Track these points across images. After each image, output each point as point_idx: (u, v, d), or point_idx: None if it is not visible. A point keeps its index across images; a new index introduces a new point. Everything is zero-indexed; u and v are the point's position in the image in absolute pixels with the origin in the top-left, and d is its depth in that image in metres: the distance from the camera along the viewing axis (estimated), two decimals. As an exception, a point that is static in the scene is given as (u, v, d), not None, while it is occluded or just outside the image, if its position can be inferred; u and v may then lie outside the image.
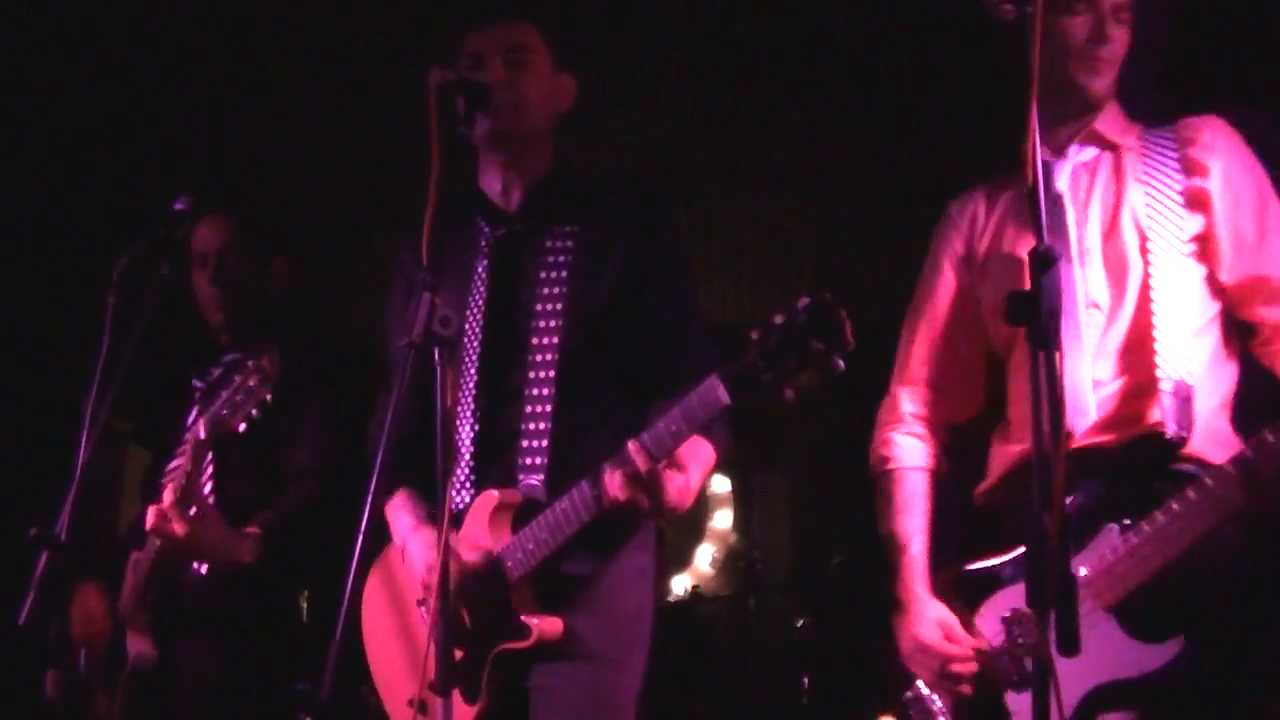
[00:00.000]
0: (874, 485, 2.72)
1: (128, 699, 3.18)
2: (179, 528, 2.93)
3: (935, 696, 2.50)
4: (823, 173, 5.62)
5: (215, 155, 5.25)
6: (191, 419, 3.27)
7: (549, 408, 2.55)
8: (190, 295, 3.42)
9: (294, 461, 3.25)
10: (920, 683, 2.52)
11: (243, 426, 2.83)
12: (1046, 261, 1.90)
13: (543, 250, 2.66)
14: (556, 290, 2.62)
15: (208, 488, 3.15)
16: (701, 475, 2.51)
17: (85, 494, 2.73)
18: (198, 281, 3.40)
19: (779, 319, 2.12)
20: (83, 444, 2.72)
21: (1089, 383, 2.43)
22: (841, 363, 2.12)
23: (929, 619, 2.50)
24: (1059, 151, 2.56)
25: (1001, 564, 2.48)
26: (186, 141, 5.23)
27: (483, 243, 2.72)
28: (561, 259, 2.64)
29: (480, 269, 2.70)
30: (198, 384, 3.34)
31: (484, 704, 2.48)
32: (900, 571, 2.58)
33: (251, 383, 2.80)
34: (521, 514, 2.53)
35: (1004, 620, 2.41)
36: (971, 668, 2.44)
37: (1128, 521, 2.31)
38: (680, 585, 6.32)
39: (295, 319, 3.48)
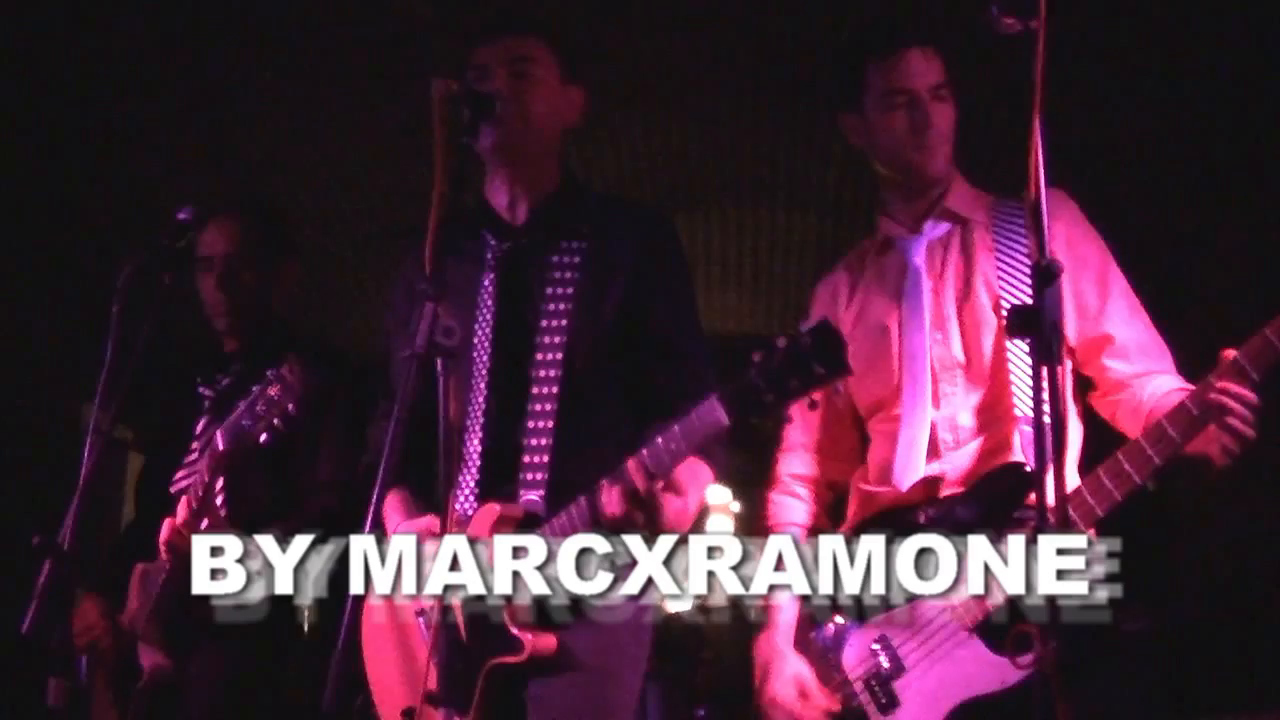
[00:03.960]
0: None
1: (140, 712, 3.12)
2: None
3: None
4: (824, 183, 5.62)
5: (222, 162, 5.26)
6: (201, 427, 3.24)
7: (551, 424, 2.55)
8: (196, 301, 3.39)
9: (314, 475, 3.19)
10: None
11: (264, 438, 2.75)
12: (1049, 276, 1.92)
13: (549, 265, 2.66)
14: (562, 306, 2.62)
15: (219, 500, 3.10)
16: (699, 499, 2.53)
17: (86, 502, 2.71)
18: (203, 286, 3.37)
19: (782, 342, 2.11)
20: (86, 453, 2.70)
21: (924, 445, 2.57)
22: (841, 388, 2.14)
23: (786, 676, 2.63)
24: (915, 228, 2.72)
25: None
26: (193, 148, 5.24)
27: (489, 256, 2.72)
28: (568, 275, 2.64)
29: (486, 283, 2.70)
30: (205, 392, 3.29)
31: (475, 716, 2.47)
32: (767, 628, 2.71)
33: (273, 393, 2.71)
34: (523, 528, 2.52)
35: (871, 648, 2.52)
36: None
37: None
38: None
39: (303, 325, 3.45)
